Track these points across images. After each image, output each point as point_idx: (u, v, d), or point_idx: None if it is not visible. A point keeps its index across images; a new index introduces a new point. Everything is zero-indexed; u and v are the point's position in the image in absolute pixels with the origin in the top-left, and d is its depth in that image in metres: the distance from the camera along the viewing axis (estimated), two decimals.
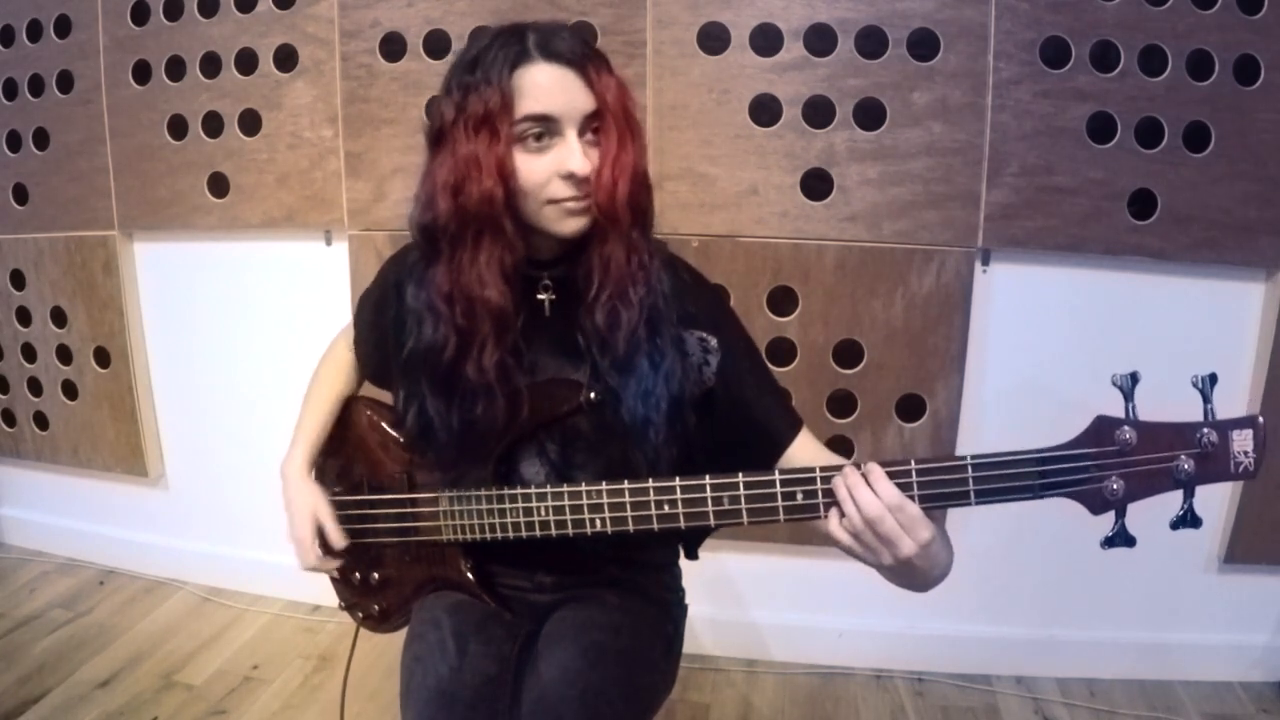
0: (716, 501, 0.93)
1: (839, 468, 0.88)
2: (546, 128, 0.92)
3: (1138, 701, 1.85)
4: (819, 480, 0.89)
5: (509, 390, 0.99)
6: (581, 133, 0.93)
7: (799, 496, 0.90)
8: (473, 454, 1.03)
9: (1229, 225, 1.66)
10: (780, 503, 0.91)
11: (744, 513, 0.92)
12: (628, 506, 0.97)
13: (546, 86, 0.91)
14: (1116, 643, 1.91)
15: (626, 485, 0.97)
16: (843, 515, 0.87)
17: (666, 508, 0.95)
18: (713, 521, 0.94)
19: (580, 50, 0.93)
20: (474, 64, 0.93)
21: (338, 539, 1.15)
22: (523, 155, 0.92)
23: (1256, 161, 1.63)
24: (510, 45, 0.92)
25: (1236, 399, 1.74)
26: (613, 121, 0.93)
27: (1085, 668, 1.92)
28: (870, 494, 0.85)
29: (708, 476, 0.94)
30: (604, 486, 0.98)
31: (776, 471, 0.91)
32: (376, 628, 1.27)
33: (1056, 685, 1.90)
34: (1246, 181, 1.64)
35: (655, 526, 0.96)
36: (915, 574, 0.89)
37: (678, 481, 0.95)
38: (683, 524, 0.95)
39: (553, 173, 0.93)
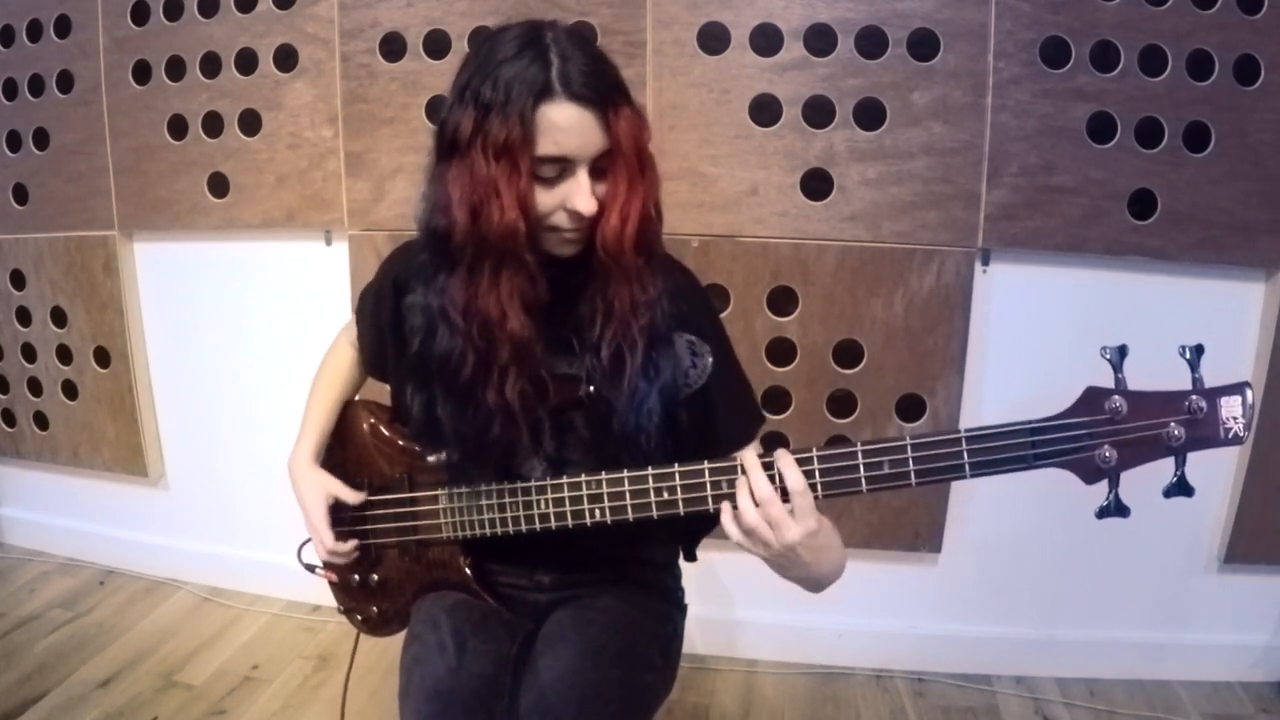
0: (715, 486, 0.94)
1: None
2: (560, 167, 0.92)
3: (1138, 701, 1.85)
4: (817, 461, 0.89)
5: (532, 419, 1.00)
6: (593, 169, 0.93)
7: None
8: (479, 458, 1.04)
9: (1229, 225, 1.66)
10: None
11: None
12: (627, 495, 0.98)
13: (565, 128, 0.89)
14: (1116, 643, 1.91)
15: (625, 474, 0.98)
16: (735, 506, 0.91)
17: (665, 494, 0.96)
18: (711, 507, 0.95)
19: (602, 88, 0.91)
20: (494, 76, 0.90)
21: (353, 498, 1.16)
22: (535, 186, 0.92)
23: (1256, 161, 1.63)
24: (534, 69, 0.88)
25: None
26: (624, 163, 0.93)
27: (1085, 668, 1.92)
28: (765, 479, 0.89)
29: (706, 462, 0.94)
30: (603, 476, 0.99)
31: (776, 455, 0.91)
32: (374, 631, 1.28)
33: (1056, 685, 1.90)
34: (1246, 181, 1.64)
35: (655, 514, 0.97)
36: (800, 566, 0.92)
37: (676, 468, 0.95)
38: (681, 510, 0.96)
39: (560, 205, 0.93)
